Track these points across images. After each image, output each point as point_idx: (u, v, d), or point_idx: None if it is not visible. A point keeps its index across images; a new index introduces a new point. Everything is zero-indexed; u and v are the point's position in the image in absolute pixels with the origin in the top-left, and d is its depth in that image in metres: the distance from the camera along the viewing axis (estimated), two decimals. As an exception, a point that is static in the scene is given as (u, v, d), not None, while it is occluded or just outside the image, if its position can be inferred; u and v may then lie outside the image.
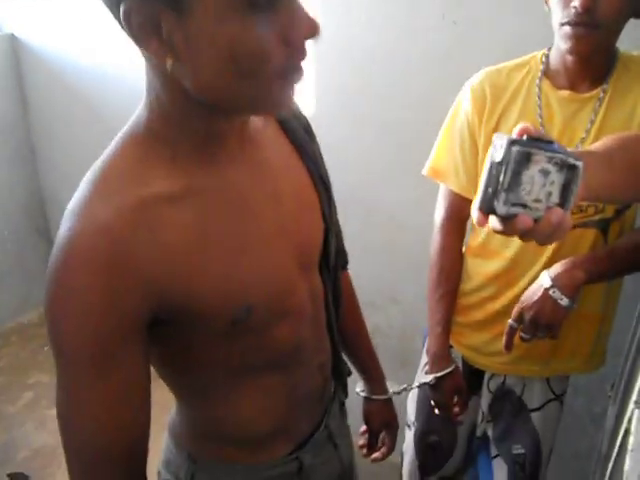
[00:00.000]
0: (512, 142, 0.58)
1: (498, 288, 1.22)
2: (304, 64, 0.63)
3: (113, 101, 2.61)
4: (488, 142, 1.16)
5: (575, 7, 0.96)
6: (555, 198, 0.60)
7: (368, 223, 2.00)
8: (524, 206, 0.59)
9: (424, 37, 1.68)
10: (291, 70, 0.62)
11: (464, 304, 1.30)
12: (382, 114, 1.83)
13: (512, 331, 1.08)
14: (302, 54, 0.61)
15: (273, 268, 0.76)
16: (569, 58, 1.07)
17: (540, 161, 0.58)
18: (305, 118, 0.89)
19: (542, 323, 1.03)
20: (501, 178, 0.58)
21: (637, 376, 0.73)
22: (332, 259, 0.92)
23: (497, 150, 0.59)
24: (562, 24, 1.00)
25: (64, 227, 0.64)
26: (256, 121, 0.79)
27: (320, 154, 0.90)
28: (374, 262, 2.01)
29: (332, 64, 1.89)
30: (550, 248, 1.13)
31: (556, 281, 1.02)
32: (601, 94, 1.07)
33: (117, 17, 0.59)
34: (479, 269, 1.25)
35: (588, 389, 1.68)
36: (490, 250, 1.22)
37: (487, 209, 0.61)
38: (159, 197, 0.65)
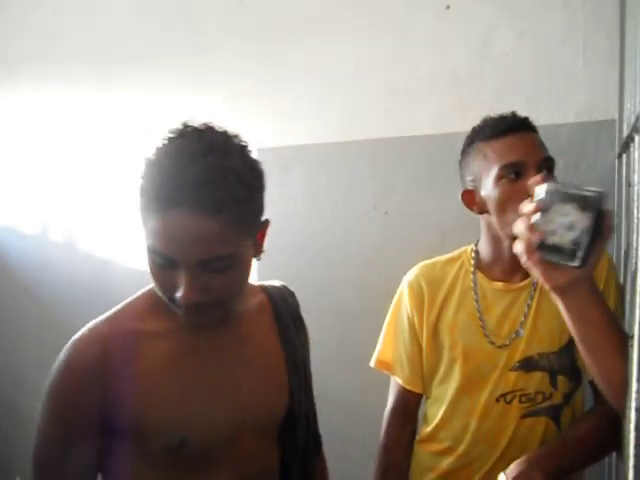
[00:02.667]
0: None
1: None
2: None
3: (56, 293, 2.57)
4: (431, 335, 1.18)
5: None
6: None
7: (318, 411, 1.91)
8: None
9: (358, 226, 1.78)
10: (184, 309, 0.82)
11: None
12: (323, 298, 1.86)
13: None
14: (186, 311, 0.82)
15: (210, 416, 0.88)
16: (506, 250, 1.11)
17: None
18: (298, 313, 1.07)
19: None
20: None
21: None
22: (300, 439, 1.00)
23: None
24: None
25: (77, 335, 0.87)
26: (252, 302, 0.98)
27: (305, 347, 1.06)
28: (329, 451, 1.88)
29: (271, 251, 1.94)
30: (503, 440, 1.10)
31: None
32: (533, 282, 1.12)
33: None
34: (430, 465, 1.20)
35: None
36: (441, 444, 1.18)
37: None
38: (147, 332, 0.87)
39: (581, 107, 1.48)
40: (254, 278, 1.96)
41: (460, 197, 1.16)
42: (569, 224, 0.69)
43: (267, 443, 0.97)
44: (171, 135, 0.82)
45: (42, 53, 2.52)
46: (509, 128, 1.08)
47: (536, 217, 0.72)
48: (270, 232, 1.93)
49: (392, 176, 1.73)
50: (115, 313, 0.90)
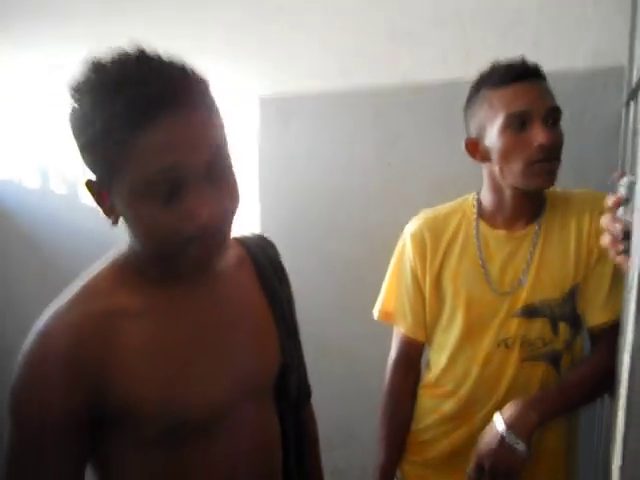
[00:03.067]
0: None
1: (453, 426, 1.20)
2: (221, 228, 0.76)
3: (59, 244, 2.58)
4: (433, 284, 1.19)
5: (541, 144, 1.02)
6: None
7: (320, 359, 1.95)
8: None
9: (361, 176, 1.77)
10: (200, 240, 0.72)
11: (417, 441, 1.27)
12: (325, 248, 1.87)
13: None
14: (208, 234, 0.72)
15: (206, 388, 0.81)
16: (509, 199, 1.13)
17: None
18: (280, 265, 1.00)
19: (501, 471, 1.00)
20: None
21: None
22: (292, 393, 0.96)
23: None
24: (531, 163, 1.04)
25: (40, 324, 0.75)
26: (230, 258, 0.90)
27: (290, 298, 1.01)
28: (329, 398, 1.94)
29: (274, 201, 1.95)
30: (503, 384, 1.12)
31: (510, 425, 1.00)
32: (536, 230, 1.13)
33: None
34: (433, 407, 1.23)
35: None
36: (444, 389, 1.21)
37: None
38: (122, 310, 0.77)
39: (589, 53, 1.44)
40: (256, 228, 1.98)
41: (464, 145, 1.14)
42: None
43: (266, 408, 0.92)
44: (97, 62, 0.70)
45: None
46: (517, 76, 1.06)
47: (620, 210, 0.78)
48: (272, 182, 1.94)
49: (394, 125, 1.71)
50: (80, 294, 0.77)
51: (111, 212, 0.75)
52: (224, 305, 0.86)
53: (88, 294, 0.78)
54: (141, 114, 0.66)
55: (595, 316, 1.09)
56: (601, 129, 1.43)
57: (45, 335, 0.74)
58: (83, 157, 0.73)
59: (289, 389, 0.96)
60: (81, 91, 0.70)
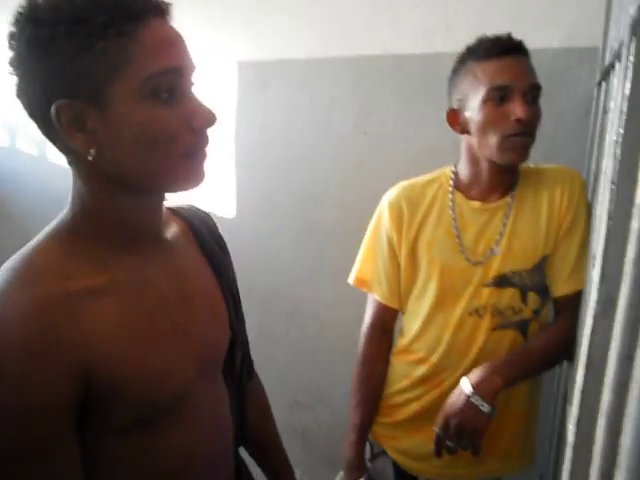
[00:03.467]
0: None
1: (424, 390, 1.24)
2: (208, 149, 0.73)
3: (28, 204, 2.53)
4: (409, 253, 1.22)
5: (519, 119, 1.05)
6: None
7: (292, 322, 2.00)
8: None
9: (338, 144, 1.79)
10: (195, 151, 0.71)
11: (388, 404, 1.31)
12: (301, 215, 1.90)
13: (439, 439, 1.09)
14: (205, 139, 0.72)
15: (175, 366, 0.78)
16: (485, 171, 1.16)
17: None
18: (219, 234, 0.96)
19: (467, 430, 1.05)
20: None
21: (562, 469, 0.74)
22: (237, 368, 0.95)
23: None
24: (507, 136, 1.07)
25: None
26: (174, 230, 0.85)
27: (232, 268, 0.96)
28: (300, 361, 1.99)
29: (252, 167, 1.96)
30: (473, 350, 1.17)
31: (476, 388, 1.05)
32: (509, 202, 1.17)
33: (40, 119, 0.69)
34: (405, 373, 1.28)
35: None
36: (416, 354, 1.25)
37: None
38: (82, 290, 0.69)
39: (565, 32, 1.47)
40: (233, 193, 1.99)
41: (445, 115, 1.17)
42: None
43: (219, 384, 0.89)
44: None
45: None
46: (502, 50, 1.08)
47: None
48: (249, 147, 1.94)
49: (373, 95, 1.73)
50: (28, 272, 0.68)
51: (88, 141, 0.67)
52: (180, 277, 0.82)
53: (35, 274, 0.68)
54: (140, 9, 0.65)
55: (560, 287, 1.15)
56: (574, 107, 1.48)
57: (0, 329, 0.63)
58: (50, 84, 0.65)
59: (234, 364, 0.94)
60: (45, 17, 0.64)
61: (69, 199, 0.74)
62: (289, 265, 1.96)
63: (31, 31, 0.64)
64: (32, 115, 0.70)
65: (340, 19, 1.73)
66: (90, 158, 0.67)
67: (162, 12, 0.68)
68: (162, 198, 0.79)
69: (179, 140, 0.69)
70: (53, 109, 0.65)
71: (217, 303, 0.89)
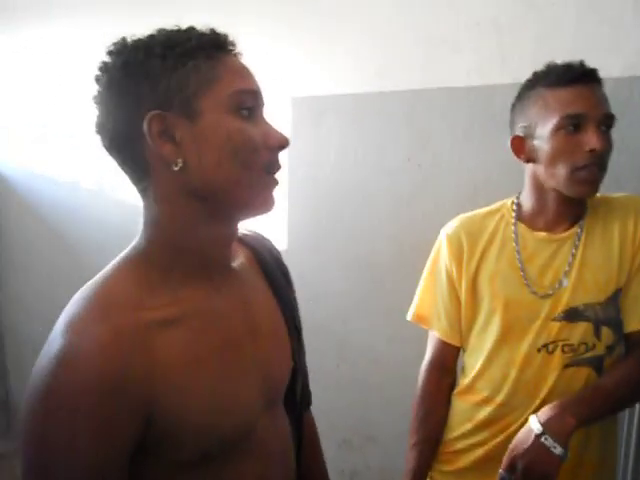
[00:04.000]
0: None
1: (488, 434, 1.17)
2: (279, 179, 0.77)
3: (86, 238, 2.62)
4: (470, 287, 1.18)
5: (593, 149, 1.02)
6: None
7: (341, 357, 1.97)
8: None
9: (391, 178, 1.78)
10: (272, 169, 0.76)
11: (449, 450, 1.24)
12: (352, 249, 1.88)
13: None
14: (278, 162, 0.76)
15: (244, 399, 0.77)
16: (551, 201, 1.11)
17: None
18: (283, 263, 0.96)
19: (536, 473, 0.97)
20: None
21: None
22: (298, 398, 0.94)
23: None
24: (578, 168, 1.04)
25: (58, 340, 0.64)
26: (241, 259, 0.86)
27: (294, 298, 0.96)
28: (348, 398, 1.95)
29: (303, 200, 1.97)
30: (543, 390, 1.10)
31: (547, 427, 0.97)
32: (578, 232, 1.11)
33: (125, 140, 0.72)
34: (468, 415, 1.21)
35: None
36: (479, 394, 1.19)
37: None
38: (154, 321, 0.69)
39: (627, 61, 1.43)
40: (284, 226, 1.99)
41: (509, 143, 1.13)
42: None
43: (282, 414, 0.89)
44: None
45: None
46: (576, 78, 1.05)
47: None
48: (301, 181, 1.95)
49: (427, 128, 1.71)
50: (102, 303, 0.68)
51: (176, 151, 0.70)
52: (248, 307, 0.82)
53: (112, 304, 0.68)
54: (222, 42, 0.74)
55: (634, 322, 1.08)
56: (637, 136, 1.42)
57: (71, 358, 0.62)
58: (143, 100, 0.69)
59: (295, 396, 0.93)
60: (141, 44, 0.72)
61: (140, 228, 0.76)
62: (340, 298, 1.93)
63: (127, 55, 0.71)
64: (113, 142, 0.73)
65: (393, 53, 1.75)
66: (176, 168, 0.70)
67: (237, 51, 0.77)
68: (236, 226, 0.80)
69: (260, 153, 0.73)
70: (146, 120, 0.69)
71: (281, 333, 0.89)
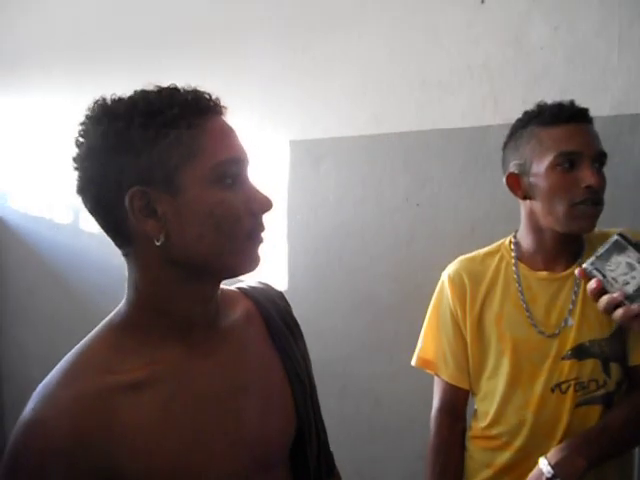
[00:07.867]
0: (620, 234, 0.94)
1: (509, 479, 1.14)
2: (266, 234, 0.77)
3: (87, 281, 2.62)
4: (475, 329, 1.16)
5: (590, 186, 1.03)
6: (629, 288, 0.91)
7: (344, 398, 1.94)
8: (603, 276, 0.94)
9: (390, 218, 1.80)
10: (256, 234, 0.75)
11: None
12: (352, 289, 1.89)
13: None
14: (262, 224, 0.76)
15: (220, 461, 0.75)
16: (549, 240, 1.12)
17: (631, 257, 0.92)
18: (290, 315, 0.93)
19: None
20: (600, 249, 0.95)
21: None
22: (311, 460, 0.87)
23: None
24: (575, 204, 1.05)
25: (28, 408, 0.68)
26: (235, 315, 0.84)
27: (304, 351, 0.92)
28: (353, 439, 1.91)
29: (303, 241, 1.98)
30: (559, 431, 1.08)
31: (558, 470, 0.96)
32: None
33: (105, 210, 0.72)
34: (487, 460, 1.18)
35: None
36: (497, 440, 1.16)
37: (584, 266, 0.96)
38: (120, 385, 0.69)
39: (615, 100, 1.47)
40: (284, 269, 2.01)
41: (505, 180, 1.14)
42: (627, 265, 0.92)
43: (280, 477, 0.84)
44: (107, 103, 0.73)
45: (49, 42, 2.56)
46: (570, 116, 1.07)
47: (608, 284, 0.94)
48: (301, 223, 1.97)
49: (424, 168, 1.75)
50: (71, 370, 0.70)
51: (158, 226, 0.70)
52: (234, 366, 0.80)
53: (80, 369, 0.70)
54: (205, 106, 0.72)
55: (638, 356, 1.08)
56: (629, 173, 1.45)
57: (34, 424, 0.66)
58: (124, 173, 0.69)
59: (307, 458, 0.87)
60: (122, 111, 0.69)
61: (125, 291, 0.76)
62: (341, 339, 1.92)
63: (107, 125, 0.69)
64: (95, 209, 0.73)
65: (389, 97, 1.79)
66: (158, 243, 0.70)
67: (221, 111, 0.75)
68: (217, 287, 0.79)
69: (243, 222, 0.73)
70: (128, 196, 0.68)
71: (280, 390, 0.85)
